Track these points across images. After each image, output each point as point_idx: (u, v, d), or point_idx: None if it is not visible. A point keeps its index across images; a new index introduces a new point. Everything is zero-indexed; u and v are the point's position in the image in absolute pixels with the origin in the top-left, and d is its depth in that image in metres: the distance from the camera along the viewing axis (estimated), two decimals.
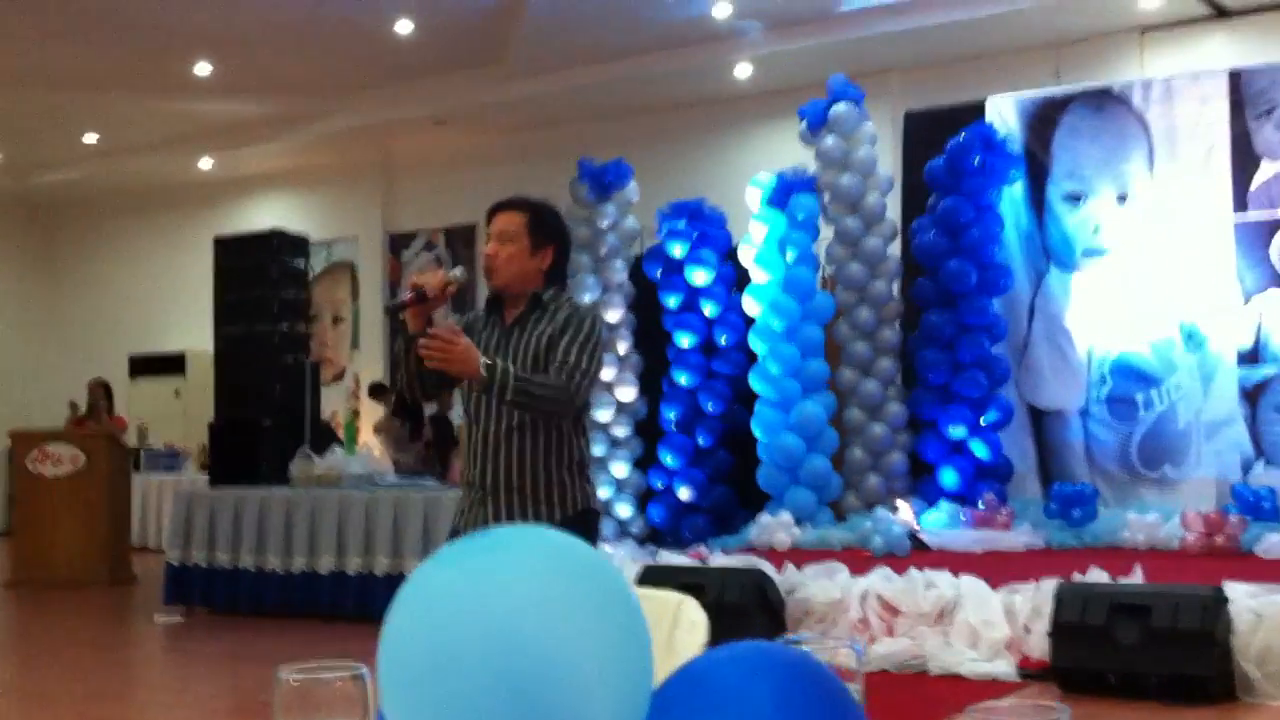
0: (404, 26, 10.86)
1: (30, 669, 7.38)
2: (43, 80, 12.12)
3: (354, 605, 8.08)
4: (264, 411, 9.90)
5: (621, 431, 9.75)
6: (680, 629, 2.03)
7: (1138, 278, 8.82)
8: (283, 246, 10.39)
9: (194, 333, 14.10)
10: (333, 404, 13.91)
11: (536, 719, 1.00)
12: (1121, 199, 8.98)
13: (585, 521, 3.56)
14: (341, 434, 12.81)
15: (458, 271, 3.55)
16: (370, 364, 14.28)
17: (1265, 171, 8.51)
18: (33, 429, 11.51)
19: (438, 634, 1.03)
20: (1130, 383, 8.77)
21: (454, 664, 1.01)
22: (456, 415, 11.52)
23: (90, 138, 14.23)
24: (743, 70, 11.34)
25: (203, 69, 11.87)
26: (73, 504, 10.32)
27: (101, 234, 16.58)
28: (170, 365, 15.21)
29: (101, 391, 12.78)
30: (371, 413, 12.94)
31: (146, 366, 15.41)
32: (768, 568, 6.66)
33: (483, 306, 3.67)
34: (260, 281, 10.15)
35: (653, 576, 6.49)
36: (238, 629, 8.20)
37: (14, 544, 10.97)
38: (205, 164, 14.69)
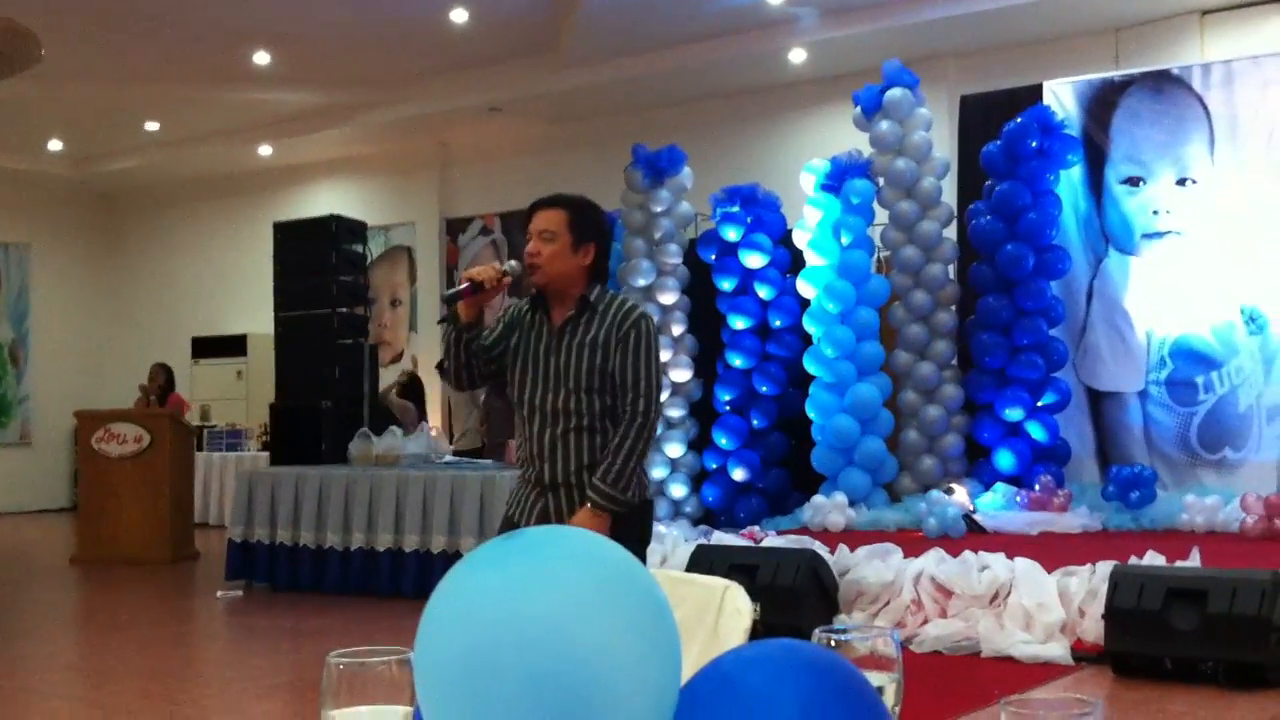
0: (459, 16, 10.93)
1: (93, 644, 7.53)
2: (105, 71, 12.31)
3: (411, 583, 8.19)
4: (323, 393, 10.05)
5: (676, 413, 9.80)
6: (725, 615, 2.04)
7: (1198, 261, 8.74)
8: (341, 231, 10.51)
9: (255, 315, 14.28)
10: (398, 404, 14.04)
11: (567, 718, 1.02)
12: (1181, 182, 8.90)
13: (642, 512, 3.62)
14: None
15: (512, 264, 3.58)
16: (429, 346, 14.40)
17: None
18: (98, 409, 11.72)
19: (471, 635, 1.05)
20: (1190, 365, 8.70)
21: (487, 664, 1.03)
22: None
23: (152, 126, 14.43)
24: (797, 56, 11.31)
25: (262, 59, 12.01)
26: (137, 483, 10.51)
27: (164, 220, 16.82)
28: (232, 347, 15.41)
29: (161, 374, 13.00)
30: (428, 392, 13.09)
31: (209, 348, 15.63)
32: (821, 549, 6.68)
33: (526, 302, 3.68)
34: (319, 266, 10.28)
35: (706, 557, 6.53)
36: (297, 605, 8.32)
37: (79, 521, 11.19)
38: (265, 152, 14.86)
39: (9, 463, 16.06)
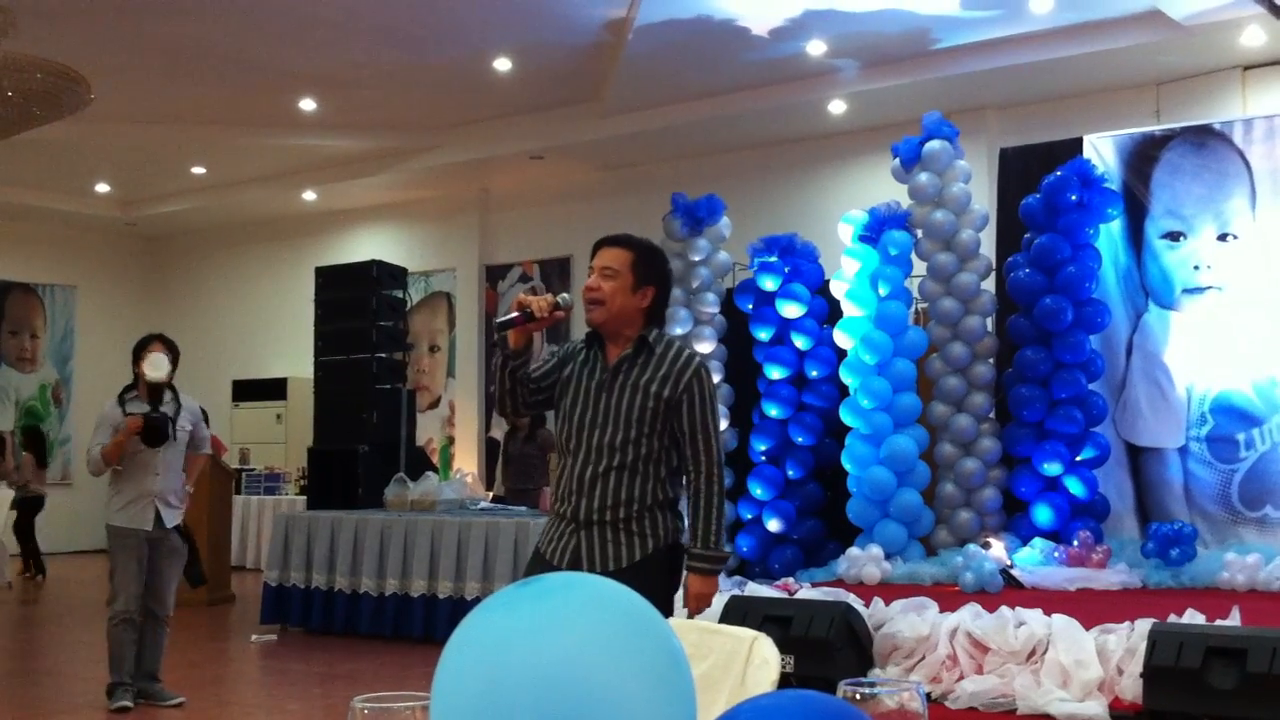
0: (503, 65, 11.05)
1: None
2: (154, 116, 12.53)
3: (444, 628, 8.18)
4: (361, 437, 10.10)
5: None
6: (753, 666, 2.04)
7: (1239, 316, 8.67)
8: (382, 277, 10.61)
9: (296, 359, 14.40)
10: (428, 431, 14.10)
11: None
12: (1223, 237, 8.85)
13: (674, 555, 3.61)
14: (436, 460, 12.99)
15: (565, 297, 3.60)
16: (466, 391, 14.47)
17: None
18: None
19: (485, 679, 1.06)
20: (1231, 422, 8.61)
21: (501, 709, 1.04)
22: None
23: (199, 171, 14.64)
24: (837, 107, 11.36)
25: (307, 105, 12.18)
26: None
27: (208, 263, 17.02)
28: (272, 391, 15.52)
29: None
30: None
31: (249, 391, 15.75)
32: (856, 602, 6.62)
33: (582, 339, 3.72)
34: (359, 311, 10.37)
35: (739, 608, 6.48)
36: (330, 649, 8.34)
37: None
38: (309, 197, 15.03)
39: (50, 503, 16.17)
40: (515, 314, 3.52)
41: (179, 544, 6.71)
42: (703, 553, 3.56)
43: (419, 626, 8.48)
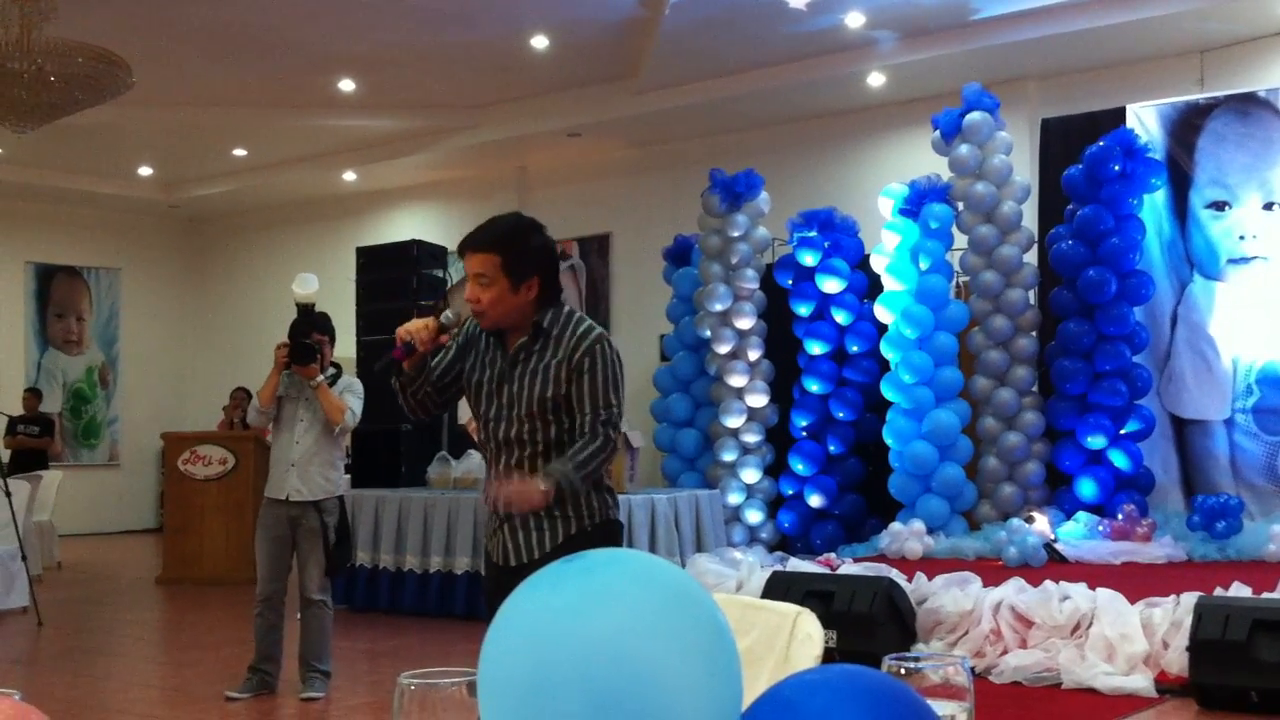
0: (540, 42, 11.03)
1: (175, 664, 7.66)
2: (195, 98, 12.60)
3: (488, 605, 8.24)
4: (403, 417, 10.14)
5: (752, 438, 9.78)
6: (796, 641, 2.03)
7: None
8: (422, 256, 10.64)
9: (338, 339, 14.47)
10: (470, 410, 14.15)
11: None
12: (1268, 206, 8.75)
13: (607, 531, 3.46)
14: (477, 438, 13.04)
15: (448, 314, 3.48)
16: None
17: None
18: (184, 431, 11.93)
19: (533, 656, 1.06)
20: (1278, 393, 8.52)
21: (548, 685, 1.04)
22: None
23: (239, 152, 14.72)
24: (876, 79, 11.27)
25: (346, 86, 12.21)
26: (221, 504, 10.68)
27: (249, 244, 17.12)
28: None
29: (245, 398, 13.24)
30: None
31: None
32: (898, 577, 6.62)
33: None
34: (400, 290, 10.41)
35: (781, 583, 6.50)
36: (375, 627, 8.41)
37: (165, 542, 11.38)
38: (349, 177, 15.08)
39: (98, 483, 16.38)
40: (396, 350, 3.43)
41: (315, 523, 6.26)
42: (558, 465, 3.28)
43: (462, 603, 8.53)
